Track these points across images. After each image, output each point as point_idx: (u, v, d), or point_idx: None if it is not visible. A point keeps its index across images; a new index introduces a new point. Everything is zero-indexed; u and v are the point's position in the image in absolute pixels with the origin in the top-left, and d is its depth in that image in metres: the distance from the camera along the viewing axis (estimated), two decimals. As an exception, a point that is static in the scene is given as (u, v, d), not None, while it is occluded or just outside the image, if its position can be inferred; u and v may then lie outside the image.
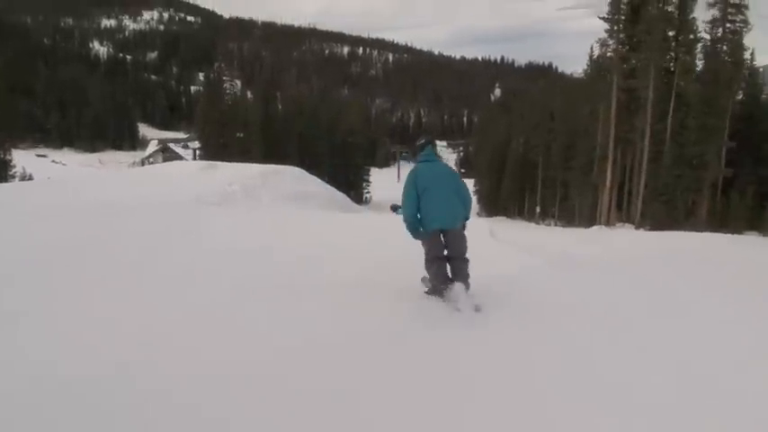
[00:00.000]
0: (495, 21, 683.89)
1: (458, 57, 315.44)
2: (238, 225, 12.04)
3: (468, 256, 5.98)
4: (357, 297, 6.05)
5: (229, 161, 29.80)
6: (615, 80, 38.09)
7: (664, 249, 12.63)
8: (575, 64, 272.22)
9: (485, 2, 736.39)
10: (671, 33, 37.01)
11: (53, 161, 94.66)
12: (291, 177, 23.51)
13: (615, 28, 38.75)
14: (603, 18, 38.99)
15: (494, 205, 66.66)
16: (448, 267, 5.98)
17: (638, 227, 33.04)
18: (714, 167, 34.94)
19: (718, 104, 34.92)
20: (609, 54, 40.08)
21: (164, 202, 15.16)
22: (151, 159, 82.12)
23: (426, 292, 6.17)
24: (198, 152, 69.91)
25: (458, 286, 5.66)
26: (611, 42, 39.43)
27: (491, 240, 10.05)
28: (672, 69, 36.74)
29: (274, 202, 19.72)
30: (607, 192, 38.23)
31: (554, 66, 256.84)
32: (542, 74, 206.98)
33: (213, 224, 11.74)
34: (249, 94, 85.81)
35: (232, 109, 68.08)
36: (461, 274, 5.83)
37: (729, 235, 23.48)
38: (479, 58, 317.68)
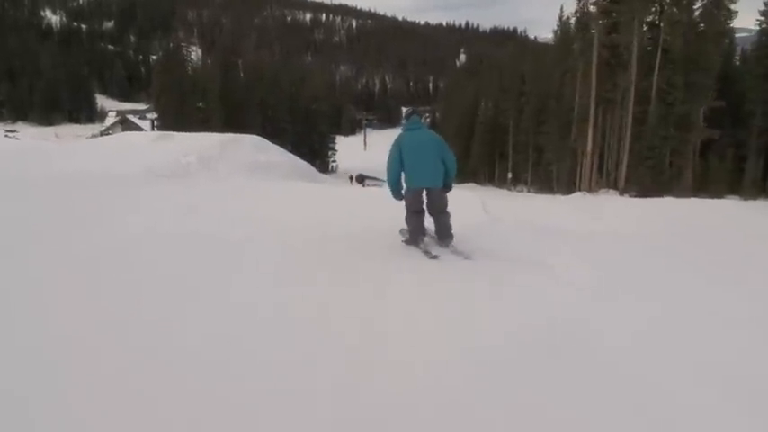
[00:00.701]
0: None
1: (422, 22, 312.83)
2: (188, 200, 10.51)
3: (448, 209, 6.65)
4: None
5: (188, 131, 28.23)
6: (596, 36, 35.49)
7: (693, 222, 10.92)
8: (539, 29, 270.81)
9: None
10: None
11: (6, 135, 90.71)
12: (251, 146, 21.98)
13: (596, -23, 35.88)
14: None
15: (462, 171, 65.32)
16: (428, 220, 6.74)
17: (622, 193, 31.43)
18: (699, 128, 33.25)
19: (706, 61, 33.11)
20: (589, 7, 37.67)
21: (107, 175, 13.62)
22: (110, 131, 79.02)
23: (404, 242, 6.84)
24: (155, 123, 67.18)
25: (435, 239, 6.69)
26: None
27: (488, 220, 8.60)
28: (657, 23, 34.62)
29: (233, 174, 18.24)
30: (589, 156, 36.02)
31: (519, 31, 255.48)
32: (508, 39, 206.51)
33: (158, 199, 10.21)
34: (210, 62, 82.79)
35: (190, 78, 65.50)
36: (445, 230, 6.60)
37: (744, 201, 22.24)
38: (444, 24, 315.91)
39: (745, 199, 28.14)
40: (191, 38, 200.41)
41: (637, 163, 32.92)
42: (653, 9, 34.59)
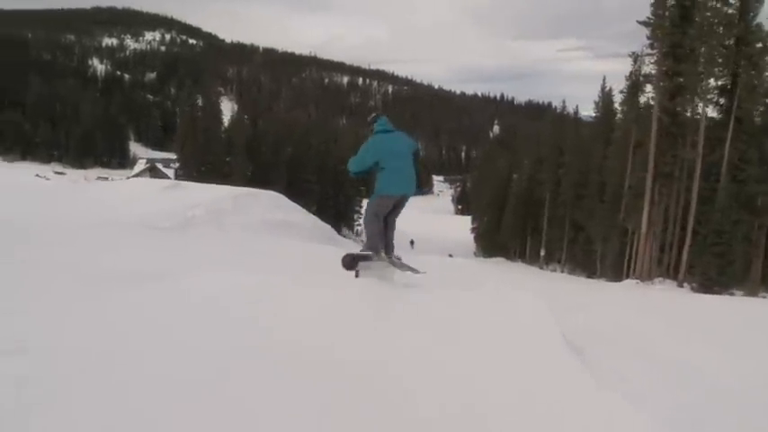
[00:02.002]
0: (495, 59, 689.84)
1: (458, 92, 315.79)
2: (139, 263, 8.12)
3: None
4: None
5: (209, 183, 26.82)
6: (657, 100, 30.27)
7: None
8: (575, 104, 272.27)
9: (486, 41, 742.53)
10: (730, 42, 29.54)
11: (36, 175, 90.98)
12: (268, 203, 20.19)
13: (659, 33, 30.30)
14: (644, 23, 31.23)
15: (492, 244, 62.74)
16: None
17: (680, 284, 27.30)
18: (773, 212, 28.59)
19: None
20: (649, 66, 32.61)
21: (89, 224, 11.76)
22: (139, 177, 78.77)
23: (361, 251, 6.58)
24: (178, 171, 66.30)
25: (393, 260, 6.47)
26: (652, 52, 31.59)
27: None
28: (729, 88, 29.86)
29: (244, 230, 16.35)
30: (644, 238, 30.87)
31: (553, 105, 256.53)
32: (542, 112, 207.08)
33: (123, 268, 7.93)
34: (246, 118, 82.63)
35: (218, 129, 64.89)
36: (391, 242, 6.62)
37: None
38: (479, 95, 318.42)
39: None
40: (226, 92, 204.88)
41: (700, 249, 28.22)
42: (725, 71, 29.98)
